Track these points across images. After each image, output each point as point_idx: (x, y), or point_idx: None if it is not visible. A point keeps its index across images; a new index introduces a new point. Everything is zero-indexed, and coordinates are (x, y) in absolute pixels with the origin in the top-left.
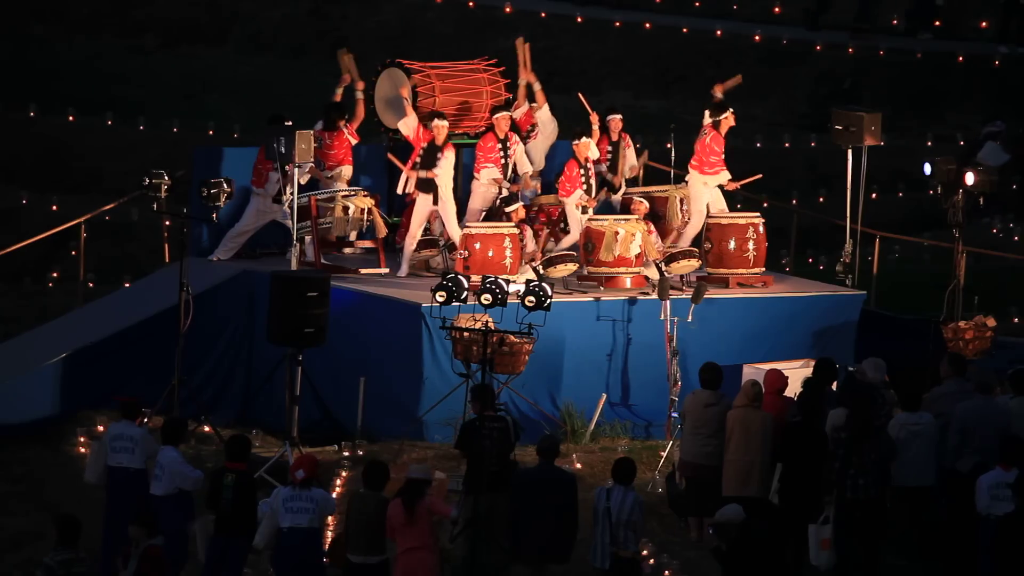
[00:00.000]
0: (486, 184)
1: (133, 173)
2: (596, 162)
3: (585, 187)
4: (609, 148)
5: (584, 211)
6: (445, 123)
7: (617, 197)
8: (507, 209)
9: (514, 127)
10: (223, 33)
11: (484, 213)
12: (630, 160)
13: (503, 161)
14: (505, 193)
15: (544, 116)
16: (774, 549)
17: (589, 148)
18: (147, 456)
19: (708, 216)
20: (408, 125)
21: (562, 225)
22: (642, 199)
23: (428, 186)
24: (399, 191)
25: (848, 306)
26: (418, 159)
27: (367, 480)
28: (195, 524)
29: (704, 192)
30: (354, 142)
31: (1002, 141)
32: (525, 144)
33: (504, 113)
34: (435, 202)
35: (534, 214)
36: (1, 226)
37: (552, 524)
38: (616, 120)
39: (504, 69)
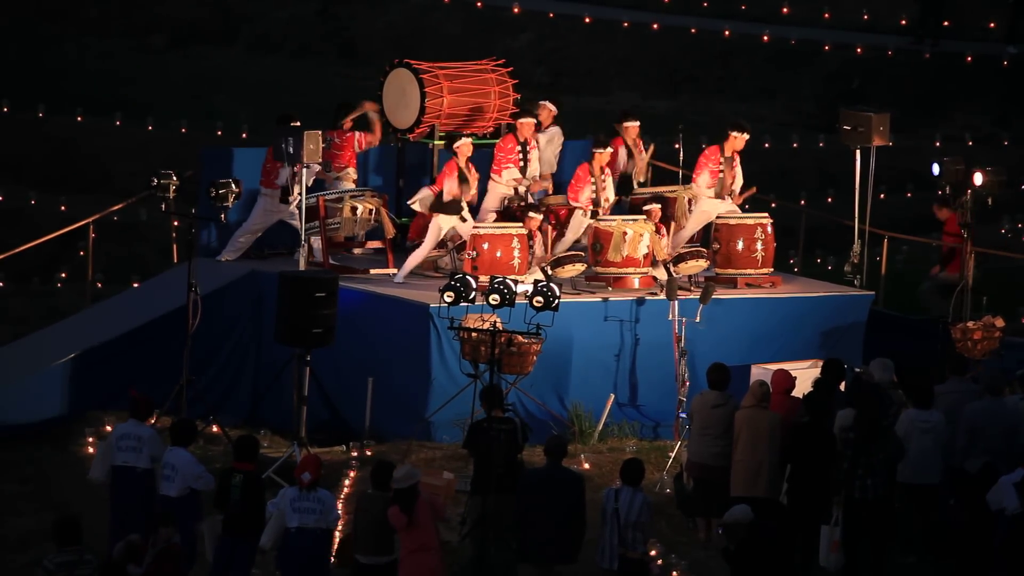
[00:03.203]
0: (505, 184)
1: (141, 173)
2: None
3: (594, 193)
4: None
5: (595, 216)
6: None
7: (626, 198)
8: (531, 214)
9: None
10: (231, 34)
11: (495, 214)
12: (639, 166)
13: (522, 164)
14: (522, 192)
15: (552, 130)
16: (782, 550)
17: (606, 158)
18: (153, 457)
19: (717, 217)
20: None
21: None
22: (656, 204)
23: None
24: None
25: (856, 306)
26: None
27: (375, 480)
28: (203, 524)
29: (701, 200)
30: (359, 151)
31: None
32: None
33: (529, 119)
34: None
35: (542, 214)
36: (10, 226)
37: (559, 524)
38: (633, 128)
39: (512, 69)
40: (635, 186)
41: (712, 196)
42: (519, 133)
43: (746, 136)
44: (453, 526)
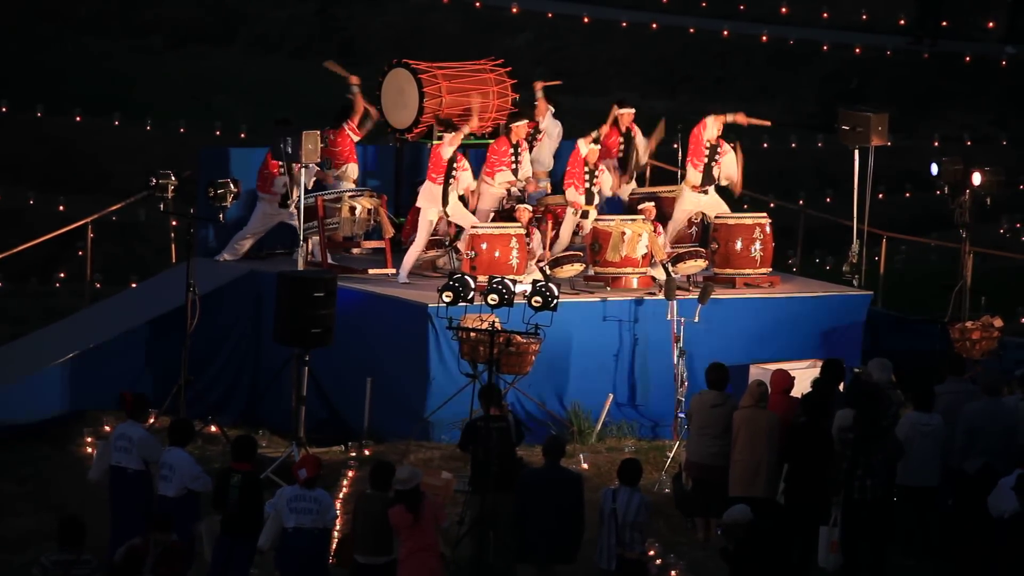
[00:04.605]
0: (499, 186)
1: (140, 173)
2: (608, 156)
3: (587, 188)
4: (621, 140)
5: (585, 215)
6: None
7: (624, 193)
8: (519, 207)
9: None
10: (230, 34)
11: (493, 214)
12: (641, 148)
13: (514, 166)
14: (516, 192)
15: (548, 121)
16: (781, 550)
17: (596, 155)
18: (145, 459)
19: (716, 216)
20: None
21: None
22: (650, 202)
23: None
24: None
25: (855, 306)
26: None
27: (374, 480)
28: (201, 524)
29: (686, 196)
30: (356, 139)
31: None
32: (531, 148)
33: (523, 122)
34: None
35: (541, 214)
36: (8, 226)
37: (558, 525)
38: (627, 115)
39: (511, 69)
40: (634, 179)
41: (693, 190)
42: (512, 135)
43: (714, 117)
44: (449, 537)
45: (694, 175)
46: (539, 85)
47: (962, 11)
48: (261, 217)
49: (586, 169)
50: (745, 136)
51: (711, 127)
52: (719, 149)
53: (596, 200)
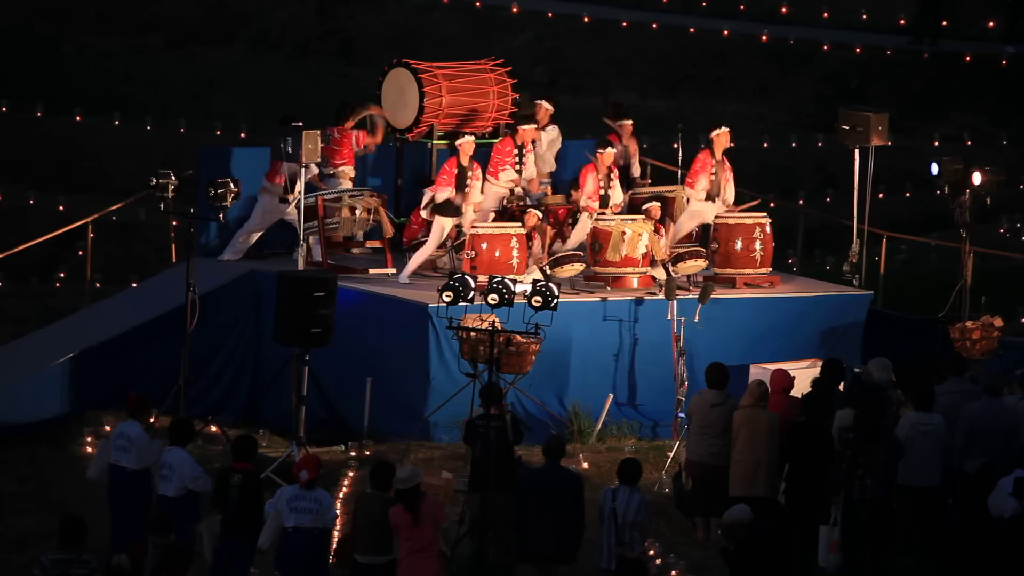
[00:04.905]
0: (503, 185)
1: (140, 173)
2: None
3: (602, 194)
4: (621, 151)
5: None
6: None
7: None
8: (529, 211)
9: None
10: (230, 33)
11: (493, 214)
12: (635, 168)
13: (517, 167)
14: (519, 192)
15: (547, 129)
16: (781, 549)
17: (610, 158)
18: (143, 459)
19: (716, 216)
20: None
21: (571, 222)
22: (655, 202)
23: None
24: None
25: (855, 306)
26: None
27: (374, 480)
28: (201, 524)
29: (692, 205)
30: (357, 149)
31: None
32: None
33: (531, 126)
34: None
35: (541, 212)
36: (8, 226)
37: (558, 524)
38: (627, 126)
39: (511, 69)
40: (636, 180)
41: (704, 199)
42: (518, 137)
43: (726, 129)
44: (449, 537)
45: (693, 192)
46: (546, 107)
47: (962, 11)
48: (261, 213)
49: (599, 176)
50: (745, 136)
51: (719, 145)
52: (724, 164)
53: (611, 202)
